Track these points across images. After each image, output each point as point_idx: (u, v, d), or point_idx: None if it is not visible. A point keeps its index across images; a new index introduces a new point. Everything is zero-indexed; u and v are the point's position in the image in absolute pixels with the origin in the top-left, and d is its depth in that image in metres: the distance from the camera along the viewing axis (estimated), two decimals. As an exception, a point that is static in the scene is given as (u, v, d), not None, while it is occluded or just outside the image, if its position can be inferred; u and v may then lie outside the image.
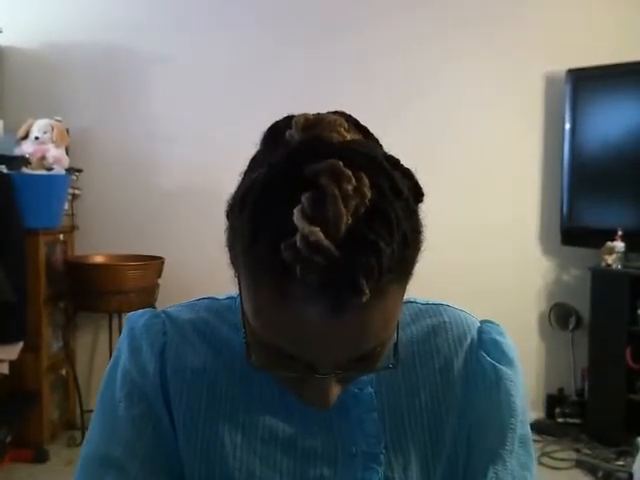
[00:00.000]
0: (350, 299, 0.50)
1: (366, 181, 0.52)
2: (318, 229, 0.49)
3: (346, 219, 0.50)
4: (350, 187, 0.50)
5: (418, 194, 0.59)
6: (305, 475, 0.66)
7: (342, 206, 0.50)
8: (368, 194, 0.51)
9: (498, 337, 0.73)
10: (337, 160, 0.51)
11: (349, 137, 0.57)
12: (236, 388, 0.69)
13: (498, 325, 0.76)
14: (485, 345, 0.72)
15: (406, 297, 0.75)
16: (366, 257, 0.50)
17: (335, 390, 0.59)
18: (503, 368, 0.71)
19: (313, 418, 0.68)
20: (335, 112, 0.62)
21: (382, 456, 0.67)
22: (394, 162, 0.58)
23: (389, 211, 0.52)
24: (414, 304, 0.76)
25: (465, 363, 0.72)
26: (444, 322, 0.74)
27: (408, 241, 0.54)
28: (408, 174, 0.58)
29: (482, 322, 0.76)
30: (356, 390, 0.69)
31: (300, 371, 0.57)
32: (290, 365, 0.57)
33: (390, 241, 0.51)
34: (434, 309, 0.75)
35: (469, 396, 0.71)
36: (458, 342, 0.73)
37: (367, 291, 0.50)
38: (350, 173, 0.51)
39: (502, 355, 0.72)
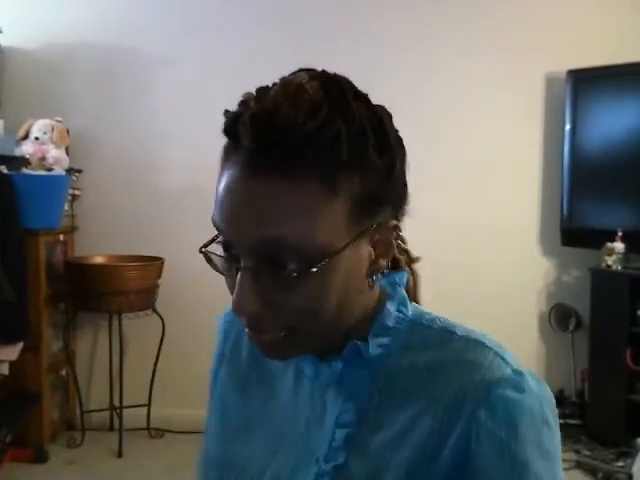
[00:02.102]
0: (243, 139, 0.56)
1: (315, 84, 0.58)
2: (253, 94, 0.60)
3: (280, 100, 0.57)
4: (296, 82, 0.59)
5: (383, 145, 0.61)
6: (276, 473, 0.70)
7: (281, 90, 0.58)
8: (310, 91, 0.57)
9: (510, 393, 0.62)
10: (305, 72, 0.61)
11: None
12: (253, 386, 0.78)
13: (522, 376, 0.63)
14: (489, 401, 0.62)
15: (450, 324, 0.69)
16: (262, 105, 0.57)
17: (250, 293, 0.59)
18: (497, 432, 0.61)
19: (305, 426, 0.71)
20: None
21: (335, 469, 0.66)
22: (365, 99, 0.62)
23: (323, 108, 0.57)
24: (449, 333, 0.68)
25: (459, 417, 0.62)
26: (459, 360, 0.65)
27: (341, 150, 0.57)
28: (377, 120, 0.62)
29: (512, 371, 0.64)
30: (349, 406, 0.68)
31: (223, 255, 0.63)
32: (222, 254, 0.63)
33: (302, 117, 0.56)
34: (465, 342, 0.67)
35: (456, 459, 0.62)
36: (460, 389, 0.63)
37: (249, 123, 0.56)
38: (306, 77, 0.59)
39: (504, 417, 0.61)
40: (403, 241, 0.74)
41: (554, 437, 0.62)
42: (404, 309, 0.70)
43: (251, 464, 0.73)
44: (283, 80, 0.61)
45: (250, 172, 0.57)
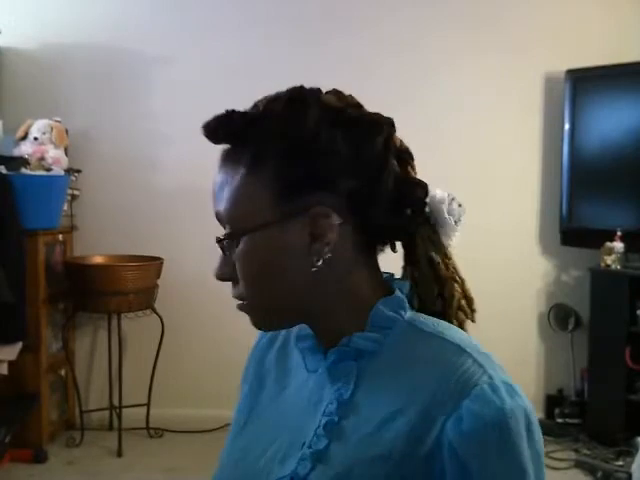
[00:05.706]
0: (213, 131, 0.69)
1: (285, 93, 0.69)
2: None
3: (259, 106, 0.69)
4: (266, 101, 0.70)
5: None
6: (270, 459, 0.73)
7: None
8: (273, 107, 0.68)
9: (478, 407, 0.61)
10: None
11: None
12: (270, 383, 0.82)
13: (495, 389, 0.63)
14: (459, 415, 0.62)
15: (440, 330, 0.70)
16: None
17: (218, 261, 0.72)
18: (461, 451, 0.61)
19: (301, 415, 0.74)
20: None
21: (315, 454, 0.69)
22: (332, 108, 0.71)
23: (276, 105, 0.68)
24: (437, 337, 0.69)
25: (430, 427, 0.63)
26: (437, 363, 0.66)
27: (270, 137, 0.66)
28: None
29: (488, 383, 0.63)
30: (335, 395, 0.71)
31: None
32: None
33: (250, 110, 0.69)
34: (447, 346, 0.68)
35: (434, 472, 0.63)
36: (433, 393, 0.64)
37: (215, 120, 0.68)
38: (286, 96, 0.69)
39: (471, 435, 0.61)
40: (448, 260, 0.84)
41: (524, 453, 0.64)
42: (402, 311, 0.72)
43: (249, 454, 0.76)
44: None
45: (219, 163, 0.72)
